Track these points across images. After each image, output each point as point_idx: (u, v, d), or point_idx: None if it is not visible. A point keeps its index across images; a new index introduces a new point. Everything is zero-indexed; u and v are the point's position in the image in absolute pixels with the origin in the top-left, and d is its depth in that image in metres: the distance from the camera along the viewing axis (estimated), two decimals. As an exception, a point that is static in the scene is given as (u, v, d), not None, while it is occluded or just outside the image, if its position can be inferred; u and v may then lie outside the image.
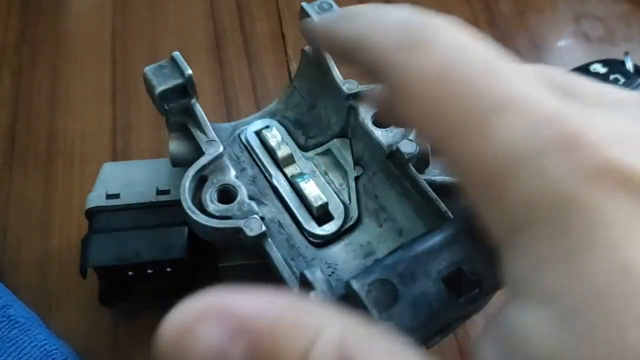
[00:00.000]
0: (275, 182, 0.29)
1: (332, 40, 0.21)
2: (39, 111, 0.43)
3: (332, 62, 0.30)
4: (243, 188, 0.27)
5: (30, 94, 0.43)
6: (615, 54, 0.44)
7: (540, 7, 0.50)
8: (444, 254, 0.20)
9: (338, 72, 0.30)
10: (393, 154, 0.27)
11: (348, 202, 0.29)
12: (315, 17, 0.28)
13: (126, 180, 0.32)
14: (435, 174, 0.29)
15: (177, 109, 0.29)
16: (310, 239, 0.28)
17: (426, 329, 0.19)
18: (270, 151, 0.30)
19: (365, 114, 0.29)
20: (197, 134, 0.28)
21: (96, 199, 0.31)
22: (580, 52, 0.47)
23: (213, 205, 0.26)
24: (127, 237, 0.30)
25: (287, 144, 0.30)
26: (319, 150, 0.31)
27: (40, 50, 0.46)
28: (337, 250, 0.28)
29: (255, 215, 0.26)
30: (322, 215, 0.28)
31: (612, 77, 0.42)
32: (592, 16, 0.50)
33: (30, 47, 0.46)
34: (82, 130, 0.42)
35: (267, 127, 0.31)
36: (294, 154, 0.30)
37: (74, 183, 0.39)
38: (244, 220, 0.25)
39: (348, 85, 0.29)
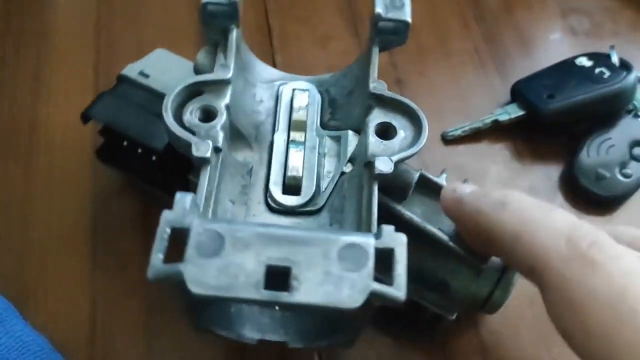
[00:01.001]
0: (275, 137, 0.30)
1: (480, 222, 0.22)
2: (22, 101, 0.42)
3: (376, 59, 0.30)
4: (224, 117, 0.27)
5: (14, 84, 0.43)
6: (601, 48, 0.44)
7: (528, 2, 0.50)
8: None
9: (376, 70, 0.30)
10: (369, 164, 0.27)
11: (323, 190, 0.29)
12: (465, 188, 0.25)
13: (164, 69, 0.35)
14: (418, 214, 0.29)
15: (217, 27, 0.30)
16: (268, 199, 0.28)
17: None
18: (291, 110, 0.31)
19: (375, 118, 0.28)
20: (220, 55, 0.29)
21: (131, 70, 0.35)
22: (567, 47, 0.47)
23: (188, 116, 0.27)
24: (129, 111, 0.33)
25: (307, 111, 0.31)
26: (332, 133, 0.31)
27: (24, 40, 0.45)
28: (280, 223, 0.28)
29: (210, 141, 0.25)
30: (291, 186, 0.28)
31: (597, 70, 0.42)
32: (579, 11, 0.50)
33: (14, 37, 0.45)
34: (65, 122, 0.41)
35: (305, 90, 0.32)
36: (308, 123, 0.30)
37: (55, 174, 0.39)
38: (198, 140, 0.25)
39: (376, 85, 0.29)
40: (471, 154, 0.42)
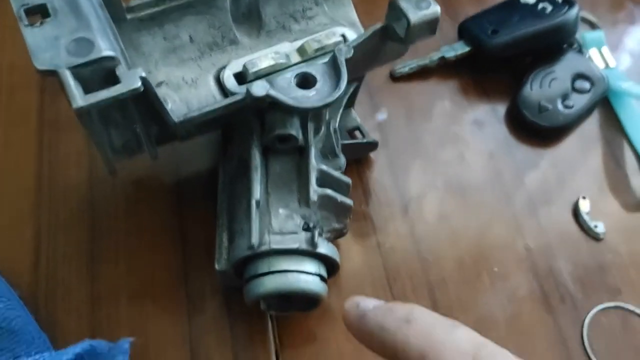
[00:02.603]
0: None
1: (385, 339, 0.21)
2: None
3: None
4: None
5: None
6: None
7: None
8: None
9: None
10: None
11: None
12: (368, 303, 0.24)
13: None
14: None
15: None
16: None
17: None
18: None
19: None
20: None
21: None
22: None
23: None
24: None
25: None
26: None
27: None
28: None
29: None
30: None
31: (540, 6, 0.42)
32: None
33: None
34: (11, 62, 0.41)
35: None
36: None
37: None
38: None
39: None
40: (419, 91, 0.43)
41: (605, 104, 0.43)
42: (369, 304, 0.23)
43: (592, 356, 0.33)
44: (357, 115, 0.39)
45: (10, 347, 0.31)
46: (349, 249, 0.36)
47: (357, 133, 0.39)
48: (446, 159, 0.40)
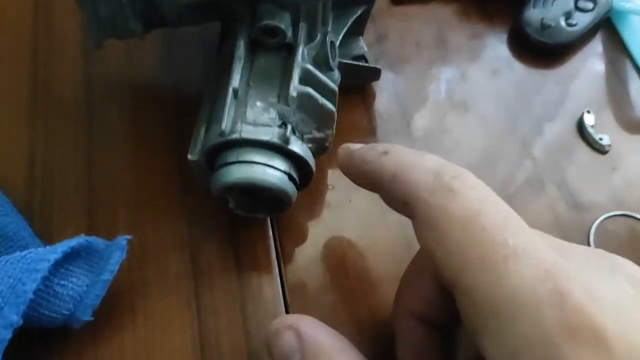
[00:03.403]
0: None
1: (366, 169, 0.25)
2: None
3: None
4: None
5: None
6: None
7: None
8: None
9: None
10: None
11: None
12: (355, 145, 0.27)
13: None
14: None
15: None
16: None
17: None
18: None
19: None
20: None
21: None
22: None
23: None
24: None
25: None
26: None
27: None
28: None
29: None
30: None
31: None
32: None
33: None
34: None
35: None
36: None
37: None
38: None
39: None
40: (420, 14, 0.42)
41: (609, 26, 0.42)
42: (356, 145, 0.26)
43: (599, 259, 0.33)
44: (364, 45, 0.38)
45: (4, 252, 0.30)
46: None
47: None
48: (448, 78, 0.40)
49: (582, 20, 0.40)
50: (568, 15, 0.41)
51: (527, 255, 0.19)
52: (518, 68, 0.41)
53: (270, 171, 0.28)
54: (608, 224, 0.34)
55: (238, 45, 0.30)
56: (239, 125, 0.28)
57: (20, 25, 0.40)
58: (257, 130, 0.28)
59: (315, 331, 0.23)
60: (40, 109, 0.36)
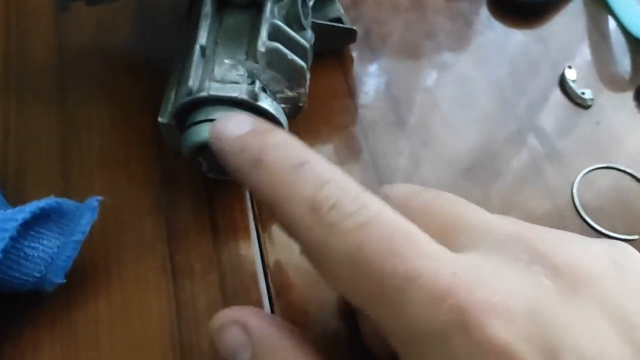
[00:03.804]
0: None
1: (239, 179, 0.21)
2: None
3: None
4: None
5: None
6: None
7: None
8: None
9: None
10: None
11: None
12: (229, 129, 0.22)
13: None
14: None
15: None
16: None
17: None
18: None
19: None
20: None
21: None
22: None
23: None
24: None
25: None
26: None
27: None
28: None
29: None
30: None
31: None
32: None
33: None
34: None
35: None
36: None
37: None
38: None
39: None
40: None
41: (590, -16, 0.42)
42: (228, 133, 0.21)
43: (581, 211, 0.32)
44: (341, 7, 0.38)
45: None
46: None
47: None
48: (427, 39, 0.39)
49: (562, -23, 0.40)
50: (548, -28, 0.40)
51: (422, 276, 0.17)
52: (498, 28, 0.40)
53: None
54: (592, 177, 0.34)
55: (205, 2, 0.29)
56: (206, 83, 0.28)
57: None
58: (225, 87, 0.28)
59: (264, 325, 0.21)
60: (12, 79, 0.35)
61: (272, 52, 0.29)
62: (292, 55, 0.29)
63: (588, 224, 0.32)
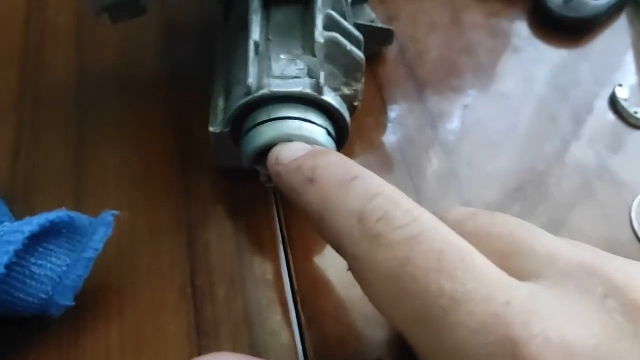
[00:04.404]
0: None
1: (294, 199, 0.21)
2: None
3: None
4: None
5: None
6: None
7: None
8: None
9: None
10: None
11: None
12: (285, 155, 0.23)
13: None
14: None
15: None
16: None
17: None
18: None
19: None
20: None
21: None
22: None
23: None
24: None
25: None
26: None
27: None
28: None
29: None
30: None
31: None
32: None
33: None
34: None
35: None
36: None
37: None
38: None
39: None
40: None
41: (634, 2, 0.40)
42: (284, 157, 0.22)
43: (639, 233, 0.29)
44: (372, 12, 0.36)
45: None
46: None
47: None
48: (467, 55, 0.37)
49: (608, -5, 0.38)
50: (593, -11, 0.38)
51: (472, 300, 0.15)
52: (539, 45, 0.38)
53: (307, 125, 0.25)
54: (651, 200, 0.31)
55: (251, 0, 0.27)
56: (265, 80, 0.25)
57: (12, 15, 0.38)
58: (287, 83, 0.25)
59: None
60: (28, 95, 0.34)
61: (330, 43, 0.27)
62: (350, 46, 0.27)
63: (651, 250, 0.29)
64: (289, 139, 0.25)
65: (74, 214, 0.25)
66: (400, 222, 0.18)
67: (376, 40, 0.35)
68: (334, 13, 0.28)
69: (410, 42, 0.37)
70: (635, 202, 0.30)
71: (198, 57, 0.35)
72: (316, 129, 0.25)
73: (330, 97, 0.26)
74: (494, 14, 0.39)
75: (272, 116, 0.25)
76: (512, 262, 0.17)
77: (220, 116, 0.27)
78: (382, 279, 0.17)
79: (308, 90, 0.25)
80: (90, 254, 0.25)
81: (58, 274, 0.24)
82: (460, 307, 0.15)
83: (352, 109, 0.29)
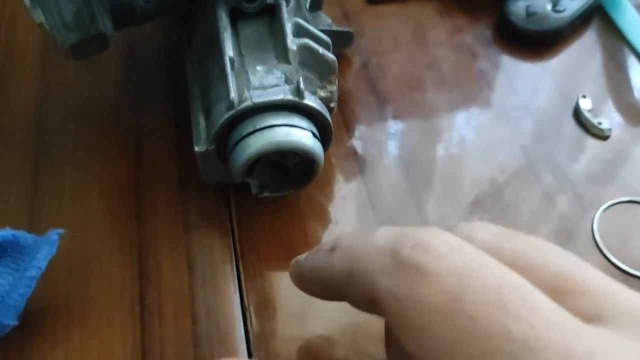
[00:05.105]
0: None
1: (319, 278, 0.20)
2: None
3: None
4: None
5: None
6: None
7: None
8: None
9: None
10: None
11: None
12: (301, 256, 0.22)
13: None
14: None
15: None
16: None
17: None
18: None
19: None
20: None
21: None
22: None
23: None
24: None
25: None
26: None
27: None
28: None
29: None
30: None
31: None
32: None
33: None
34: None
35: None
36: None
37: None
38: None
39: None
40: (398, 14, 0.40)
41: (602, 14, 0.40)
42: (301, 255, 0.21)
43: (603, 248, 0.29)
44: (328, 19, 0.36)
45: None
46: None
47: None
48: (430, 70, 0.37)
49: (571, 6, 0.38)
50: (555, 2, 0.38)
51: (546, 348, 0.13)
52: (505, 59, 0.38)
53: (294, 131, 0.25)
54: (613, 212, 0.30)
55: (219, 16, 0.28)
56: (246, 93, 0.26)
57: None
58: (267, 92, 0.26)
59: None
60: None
61: (302, 49, 0.27)
62: (322, 50, 0.28)
63: (611, 262, 0.28)
64: (278, 146, 0.25)
65: (19, 233, 0.25)
66: (439, 250, 0.15)
67: (337, 43, 0.35)
68: (301, 20, 0.28)
69: (374, 57, 0.37)
70: (597, 213, 0.30)
71: (158, 79, 0.35)
72: (303, 133, 0.26)
73: (311, 101, 0.26)
74: (458, 29, 0.39)
75: (258, 127, 0.25)
76: (568, 300, 0.15)
77: (203, 135, 0.27)
78: (431, 318, 0.15)
79: (290, 97, 0.25)
80: (33, 272, 0.25)
81: (1, 293, 0.24)
82: (535, 355, 0.13)
83: (330, 111, 0.29)
